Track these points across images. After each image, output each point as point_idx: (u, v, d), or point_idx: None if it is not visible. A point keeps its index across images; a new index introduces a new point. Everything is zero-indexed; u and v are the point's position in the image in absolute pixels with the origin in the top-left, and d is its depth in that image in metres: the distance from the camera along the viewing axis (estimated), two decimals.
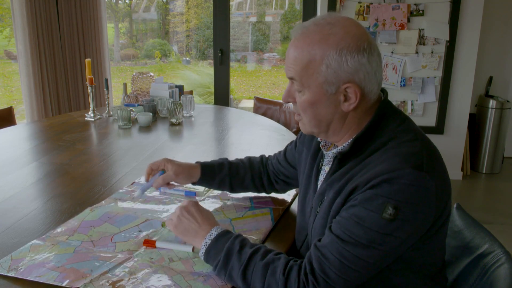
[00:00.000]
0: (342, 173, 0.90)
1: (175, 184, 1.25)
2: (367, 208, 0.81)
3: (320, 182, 1.01)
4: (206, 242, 0.95)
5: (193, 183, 1.26)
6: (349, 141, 0.92)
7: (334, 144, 1.00)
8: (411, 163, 0.80)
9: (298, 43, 0.88)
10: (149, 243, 1.05)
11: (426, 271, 0.91)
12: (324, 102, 0.89)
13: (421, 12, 3.36)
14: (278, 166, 1.28)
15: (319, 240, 0.87)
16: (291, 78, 0.92)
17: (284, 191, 1.34)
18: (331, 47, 0.85)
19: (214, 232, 0.96)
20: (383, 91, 0.95)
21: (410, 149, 0.84)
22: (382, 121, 0.90)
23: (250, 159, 1.33)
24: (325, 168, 1.00)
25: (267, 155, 1.36)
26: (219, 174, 1.26)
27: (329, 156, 0.99)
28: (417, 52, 3.44)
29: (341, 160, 0.92)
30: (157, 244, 1.05)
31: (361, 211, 0.81)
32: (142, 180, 1.48)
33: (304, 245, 1.04)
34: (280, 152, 1.31)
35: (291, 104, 0.97)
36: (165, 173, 1.20)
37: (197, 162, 1.27)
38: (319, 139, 1.03)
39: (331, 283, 0.82)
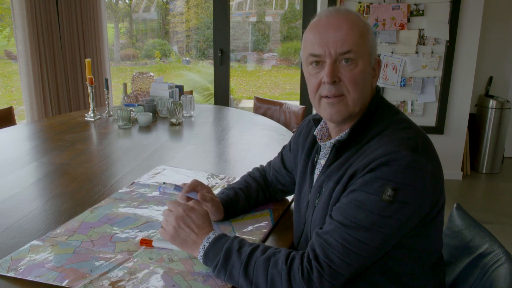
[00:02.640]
0: (340, 163, 0.93)
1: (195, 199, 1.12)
2: (367, 191, 0.83)
3: (316, 176, 1.03)
4: (204, 245, 0.94)
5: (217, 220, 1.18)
6: (347, 130, 0.96)
7: (329, 138, 1.04)
8: (407, 146, 0.84)
9: (345, 16, 0.92)
10: (146, 242, 1.05)
11: (426, 259, 0.93)
12: (369, 74, 0.94)
13: (421, 12, 3.36)
14: (276, 175, 1.27)
15: (321, 228, 0.89)
16: (346, 52, 0.90)
17: (280, 198, 1.33)
18: (366, 24, 0.94)
19: (211, 236, 0.96)
20: (376, 87, 1.00)
21: (405, 135, 0.88)
22: (377, 112, 0.95)
23: (253, 177, 1.29)
24: (321, 162, 1.02)
25: (258, 166, 1.35)
26: (237, 205, 1.20)
27: (326, 147, 1.02)
28: (417, 52, 3.43)
29: (339, 149, 0.95)
30: (154, 243, 1.04)
31: (361, 195, 0.84)
32: (142, 180, 1.48)
33: (303, 238, 1.05)
34: (275, 160, 1.30)
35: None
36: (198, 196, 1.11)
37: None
38: (315, 132, 1.05)
39: (335, 268, 0.83)
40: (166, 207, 1.03)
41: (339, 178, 0.91)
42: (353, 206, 0.84)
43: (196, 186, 1.12)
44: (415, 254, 0.91)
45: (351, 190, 0.86)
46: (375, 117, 0.94)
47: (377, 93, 0.98)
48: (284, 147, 1.27)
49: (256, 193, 1.25)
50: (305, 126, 1.17)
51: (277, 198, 1.32)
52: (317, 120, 1.08)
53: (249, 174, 1.32)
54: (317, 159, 1.04)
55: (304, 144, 1.11)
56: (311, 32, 0.94)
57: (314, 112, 1.12)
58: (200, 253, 0.95)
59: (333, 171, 0.94)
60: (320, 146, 1.04)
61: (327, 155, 1.00)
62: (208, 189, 1.16)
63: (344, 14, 0.92)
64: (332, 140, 0.98)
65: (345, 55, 0.90)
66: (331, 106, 0.94)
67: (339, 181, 0.91)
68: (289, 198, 1.34)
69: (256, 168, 1.34)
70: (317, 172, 1.03)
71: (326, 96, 0.94)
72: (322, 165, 1.01)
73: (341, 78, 0.91)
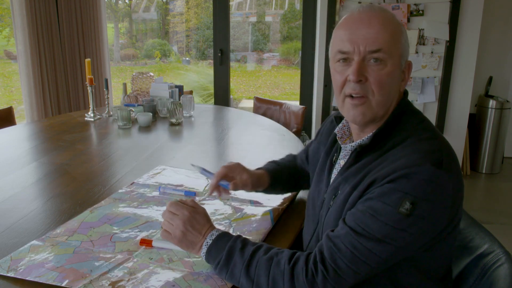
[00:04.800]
0: (359, 167, 0.91)
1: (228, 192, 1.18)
2: (383, 201, 0.81)
3: (333, 176, 1.01)
4: (207, 242, 0.94)
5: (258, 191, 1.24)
6: (369, 135, 0.93)
7: (349, 138, 1.02)
8: (431, 160, 0.81)
9: (379, 13, 0.89)
10: (146, 242, 1.05)
11: (434, 273, 0.91)
12: (397, 77, 0.91)
13: (421, 12, 3.36)
14: (302, 165, 1.31)
15: (332, 231, 0.87)
16: (375, 51, 0.87)
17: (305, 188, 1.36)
18: (400, 24, 0.90)
19: (215, 233, 0.95)
20: (404, 91, 0.97)
21: (429, 146, 0.85)
22: (403, 118, 0.92)
23: (290, 160, 1.35)
24: (340, 162, 1.01)
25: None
26: (281, 177, 1.26)
27: (346, 149, 0.99)
28: (417, 52, 3.43)
29: (359, 153, 0.93)
30: (154, 243, 1.04)
31: (377, 204, 0.82)
32: (142, 180, 1.48)
33: (314, 238, 1.04)
34: (300, 153, 1.34)
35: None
36: (229, 185, 1.13)
37: (259, 169, 1.25)
38: (336, 131, 1.03)
39: (341, 274, 0.82)
40: (165, 207, 1.00)
41: (356, 183, 0.88)
42: (367, 214, 0.82)
43: (225, 174, 1.14)
44: (423, 267, 0.89)
45: (368, 198, 0.84)
46: (399, 123, 0.91)
47: (404, 97, 0.95)
48: (310, 143, 1.28)
49: (293, 173, 1.30)
50: (328, 123, 1.16)
51: (302, 187, 1.36)
52: (340, 118, 1.06)
53: (287, 157, 1.37)
54: (336, 158, 1.02)
55: (325, 141, 1.10)
56: (342, 28, 0.91)
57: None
58: (203, 251, 0.94)
59: (351, 174, 0.92)
60: (341, 146, 1.02)
61: (347, 157, 0.98)
62: (236, 172, 1.16)
63: (377, 11, 0.89)
64: (354, 144, 0.96)
65: (374, 54, 0.87)
66: (354, 108, 0.92)
67: (356, 186, 0.88)
68: (288, 198, 1.34)
69: (292, 155, 1.37)
70: (335, 172, 1.01)
71: (350, 96, 0.91)
72: (341, 165, 0.99)
73: (368, 78, 0.88)
